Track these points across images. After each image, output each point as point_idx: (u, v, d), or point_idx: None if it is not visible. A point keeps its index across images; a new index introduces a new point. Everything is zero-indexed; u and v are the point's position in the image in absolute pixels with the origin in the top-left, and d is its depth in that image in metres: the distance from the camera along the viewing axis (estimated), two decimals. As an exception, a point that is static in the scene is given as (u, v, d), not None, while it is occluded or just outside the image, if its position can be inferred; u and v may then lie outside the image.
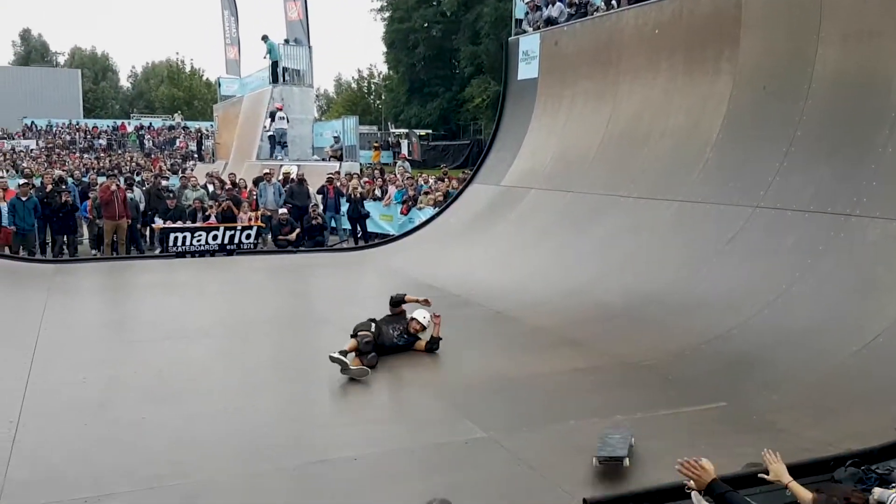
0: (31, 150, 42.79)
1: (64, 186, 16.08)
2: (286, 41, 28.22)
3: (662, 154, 10.81)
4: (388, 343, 7.74)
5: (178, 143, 46.70)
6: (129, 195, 16.01)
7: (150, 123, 55.26)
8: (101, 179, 19.93)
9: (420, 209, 17.51)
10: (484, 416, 6.07)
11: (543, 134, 14.25)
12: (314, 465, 5.16)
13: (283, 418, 6.20)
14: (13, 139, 48.80)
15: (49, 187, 15.90)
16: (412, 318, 8.00)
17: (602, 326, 8.56)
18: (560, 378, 7.13)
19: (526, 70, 15.42)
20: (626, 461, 4.79)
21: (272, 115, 25.67)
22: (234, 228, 15.70)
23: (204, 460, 5.28)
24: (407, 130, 42.18)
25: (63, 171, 22.61)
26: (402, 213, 18.07)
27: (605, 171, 11.83)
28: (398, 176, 22.45)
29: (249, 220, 16.68)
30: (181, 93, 69.38)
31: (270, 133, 25.64)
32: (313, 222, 17.07)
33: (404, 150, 36.68)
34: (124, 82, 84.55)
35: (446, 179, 19.05)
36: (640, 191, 10.78)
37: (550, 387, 6.89)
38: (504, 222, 13.32)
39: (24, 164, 30.20)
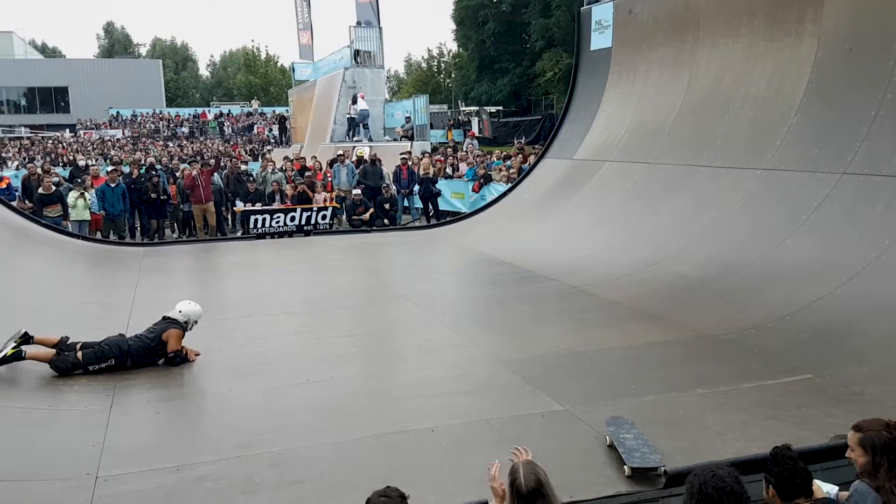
0: (118, 139, 44.72)
1: (154, 172, 16.79)
2: (357, 23, 28.48)
3: (744, 121, 10.43)
4: None
5: (255, 129, 47.94)
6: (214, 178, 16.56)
7: (229, 111, 56.86)
8: (182, 166, 20.71)
9: (495, 182, 17.46)
10: (560, 390, 6.05)
11: (618, 105, 13.94)
12: (393, 436, 5.27)
13: (362, 391, 6.35)
14: (100, 129, 51.12)
15: (135, 174, 16.64)
16: None
17: (681, 299, 8.38)
18: (637, 352, 7.03)
19: (599, 40, 15.09)
20: (663, 468, 4.44)
21: (353, 99, 26.02)
22: (311, 210, 16.09)
23: (287, 430, 5.48)
24: (477, 108, 41.93)
25: (151, 158, 23.56)
26: (473, 190, 18.08)
27: (684, 141, 11.50)
28: (468, 153, 22.43)
29: (324, 201, 17.05)
30: (257, 79, 71.04)
31: (351, 115, 25.94)
32: (386, 205, 17.30)
33: (475, 128, 36.53)
34: (203, 71, 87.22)
35: (521, 155, 18.86)
36: (720, 160, 10.44)
37: (627, 361, 6.81)
38: (578, 196, 13.15)
39: (112, 153, 31.61)
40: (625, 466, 4.53)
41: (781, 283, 7.78)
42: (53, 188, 14.66)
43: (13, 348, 6.57)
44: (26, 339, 6.70)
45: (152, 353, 6.96)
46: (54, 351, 6.72)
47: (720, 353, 6.81)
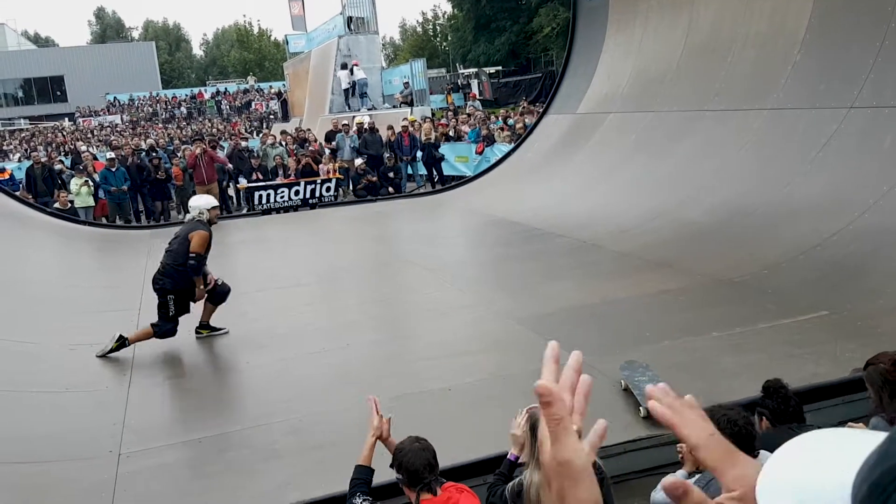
0: (117, 125, 44.55)
1: (154, 154, 16.71)
2: (349, -11, 28.01)
3: (747, 62, 10.23)
4: None
5: (253, 106, 47.61)
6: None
7: (226, 89, 56.40)
8: (184, 146, 20.63)
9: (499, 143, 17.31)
10: (574, 342, 6.02)
11: (619, 54, 13.72)
12: (410, 397, 5.29)
13: (377, 355, 6.37)
14: (99, 115, 50.90)
15: (129, 159, 16.54)
16: None
17: (691, 246, 8.32)
18: (650, 301, 7.00)
19: (595, -10, 14.79)
20: None
21: (343, 66, 25.65)
22: (315, 182, 16.01)
23: (305, 398, 5.50)
24: (476, 70, 41.42)
25: (151, 140, 23.47)
26: (477, 152, 17.92)
27: (687, 87, 11.32)
28: (469, 116, 22.20)
29: (328, 173, 16.95)
30: (251, 55, 70.29)
31: (347, 87, 25.61)
32: (389, 173, 17.19)
33: (475, 90, 36.11)
34: (197, 51, 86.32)
35: (526, 114, 18.60)
36: (724, 103, 10.27)
37: (640, 310, 6.79)
38: (583, 151, 13.03)
39: (112, 139, 31.52)
40: (640, 408, 4.54)
41: (793, 222, 7.70)
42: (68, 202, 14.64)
43: (112, 349, 6.61)
44: (122, 341, 6.65)
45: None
46: (151, 330, 6.72)
47: (734, 296, 6.77)
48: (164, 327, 6.65)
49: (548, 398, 0.90)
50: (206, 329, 7.13)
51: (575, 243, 9.69)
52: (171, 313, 6.65)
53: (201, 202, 7.11)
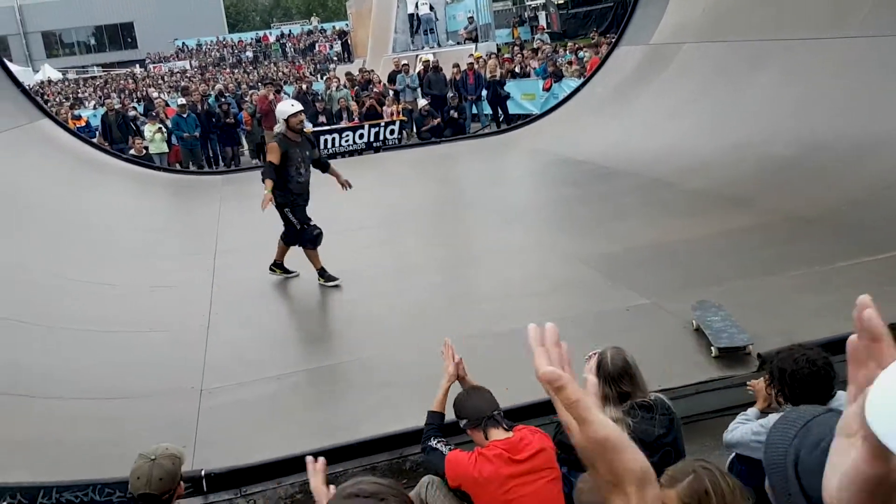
0: (186, 70, 45.33)
1: (223, 99, 16.97)
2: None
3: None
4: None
5: (317, 48, 47.57)
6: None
7: (290, 31, 56.45)
8: (251, 91, 20.86)
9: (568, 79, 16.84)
10: (644, 284, 5.93)
11: (693, -19, 13.00)
12: (474, 339, 5.29)
13: (441, 296, 6.42)
14: (168, 62, 51.86)
15: (198, 106, 16.81)
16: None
17: (767, 182, 7.98)
18: (724, 239, 6.78)
19: (669, -88, 13.96)
20: (750, 346, 4.43)
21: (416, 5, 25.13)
22: (378, 125, 15.99)
23: (372, 337, 5.61)
24: (544, 0, 40.11)
25: (219, 86, 23.82)
26: (544, 89, 17.48)
27: (766, 14, 10.66)
28: (537, 51, 21.59)
29: (392, 115, 16.88)
30: (314, -6, 69.96)
31: (412, 13, 24.92)
32: (453, 112, 16.98)
33: (542, 23, 35.04)
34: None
35: (600, 48, 17.93)
36: (806, 30, 9.65)
37: (714, 249, 6.59)
38: (656, 83, 12.52)
39: (182, 84, 32.13)
40: (712, 348, 4.45)
41: (878, 154, 7.27)
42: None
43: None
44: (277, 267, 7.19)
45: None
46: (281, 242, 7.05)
47: (814, 232, 6.49)
48: (290, 237, 6.89)
49: (559, 382, 0.88)
50: (279, 269, 7.25)
51: (645, 181, 9.42)
52: (294, 223, 6.83)
53: (280, 111, 7.03)
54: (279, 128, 6.97)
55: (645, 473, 0.89)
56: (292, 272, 7.24)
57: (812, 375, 2.80)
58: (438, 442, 3.20)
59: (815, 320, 4.68)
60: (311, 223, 6.88)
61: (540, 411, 3.93)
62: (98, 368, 5.47)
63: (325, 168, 7.36)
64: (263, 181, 6.62)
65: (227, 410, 4.74)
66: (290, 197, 6.80)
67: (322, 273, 6.84)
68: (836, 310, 4.71)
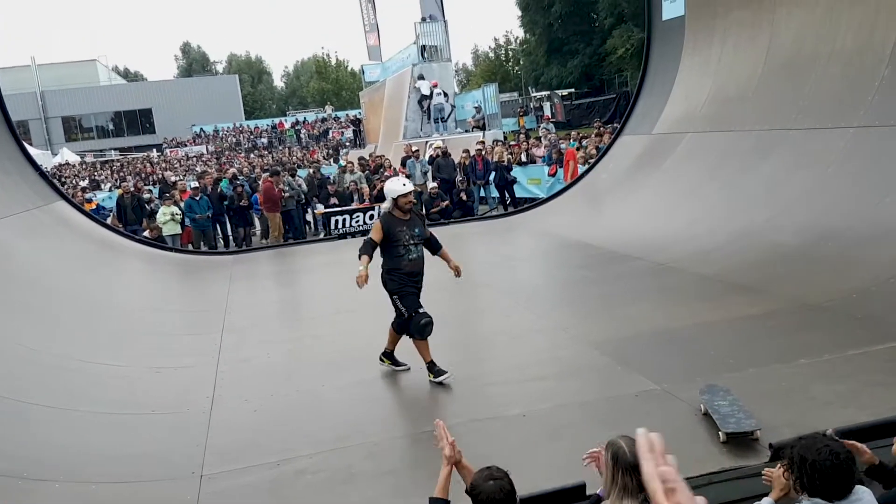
0: (202, 154, 46.47)
1: (238, 182, 17.33)
2: (422, 19, 28.55)
3: (831, 79, 9.82)
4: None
5: (331, 134, 48.86)
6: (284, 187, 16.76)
7: (305, 118, 58.16)
8: (264, 175, 21.24)
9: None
10: (654, 369, 5.87)
11: (695, 74, 13.43)
12: (484, 423, 5.24)
13: (451, 379, 6.34)
14: (185, 146, 53.26)
15: (209, 188, 17.13)
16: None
17: (775, 269, 8.00)
18: (733, 326, 6.75)
19: (671, 9, 14.57)
20: (758, 432, 4.37)
21: (420, 76, 25.97)
22: (389, 206, 16.20)
23: (380, 421, 5.53)
24: (548, 92, 41.35)
25: (233, 169, 24.38)
26: (549, 174, 17.81)
27: (768, 105, 10.96)
28: (543, 139, 22.12)
29: (402, 197, 17.09)
30: (329, 85, 72.39)
31: (423, 94, 25.72)
32: (462, 195, 17.26)
33: (547, 112, 36.03)
34: (278, 82, 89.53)
35: (600, 136, 18.38)
36: (808, 121, 9.88)
37: (723, 336, 6.55)
38: (660, 171, 12.75)
39: (198, 168, 32.87)
40: (719, 433, 4.37)
41: (884, 244, 7.30)
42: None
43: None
44: (387, 357, 6.74)
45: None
46: (392, 329, 6.67)
47: (822, 321, 6.46)
48: (400, 325, 6.50)
49: (673, 484, 1.12)
50: (388, 359, 6.77)
51: (653, 266, 9.46)
52: (402, 311, 6.45)
53: (388, 190, 6.66)
54: (386, 206, 6.70)
55: None
56: (402, 365, 6.72)
57: (834, 468, 2.74)
58: None
59: (826, 410, 4.60)
60: (421, 311, 6.40)
61: (550, 501, 3.83)
62: (96, 452, 5.38)
63: (435, 250, 6.97)
64: (360, 257, 6.36)
65: (226, 497, 4.63)
66: (399, 283, 6.49)
67: (431, 367, 6.31)
68: (846, 399, 4.65)
